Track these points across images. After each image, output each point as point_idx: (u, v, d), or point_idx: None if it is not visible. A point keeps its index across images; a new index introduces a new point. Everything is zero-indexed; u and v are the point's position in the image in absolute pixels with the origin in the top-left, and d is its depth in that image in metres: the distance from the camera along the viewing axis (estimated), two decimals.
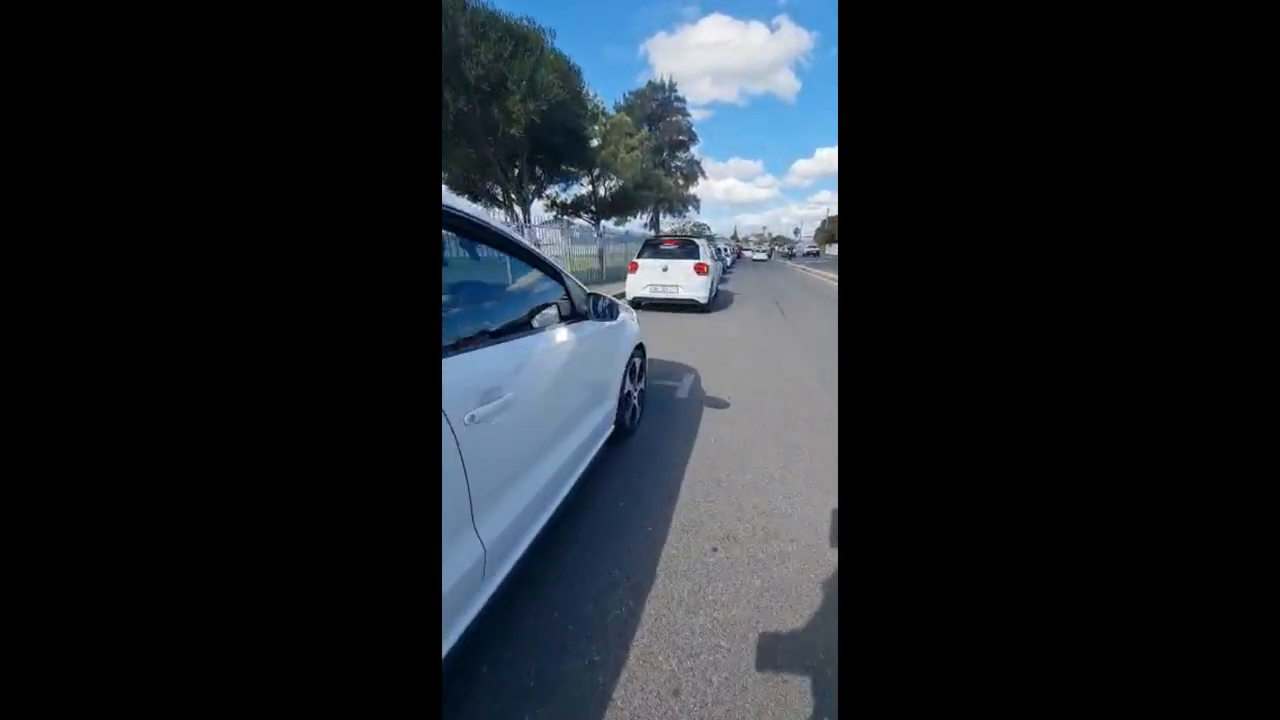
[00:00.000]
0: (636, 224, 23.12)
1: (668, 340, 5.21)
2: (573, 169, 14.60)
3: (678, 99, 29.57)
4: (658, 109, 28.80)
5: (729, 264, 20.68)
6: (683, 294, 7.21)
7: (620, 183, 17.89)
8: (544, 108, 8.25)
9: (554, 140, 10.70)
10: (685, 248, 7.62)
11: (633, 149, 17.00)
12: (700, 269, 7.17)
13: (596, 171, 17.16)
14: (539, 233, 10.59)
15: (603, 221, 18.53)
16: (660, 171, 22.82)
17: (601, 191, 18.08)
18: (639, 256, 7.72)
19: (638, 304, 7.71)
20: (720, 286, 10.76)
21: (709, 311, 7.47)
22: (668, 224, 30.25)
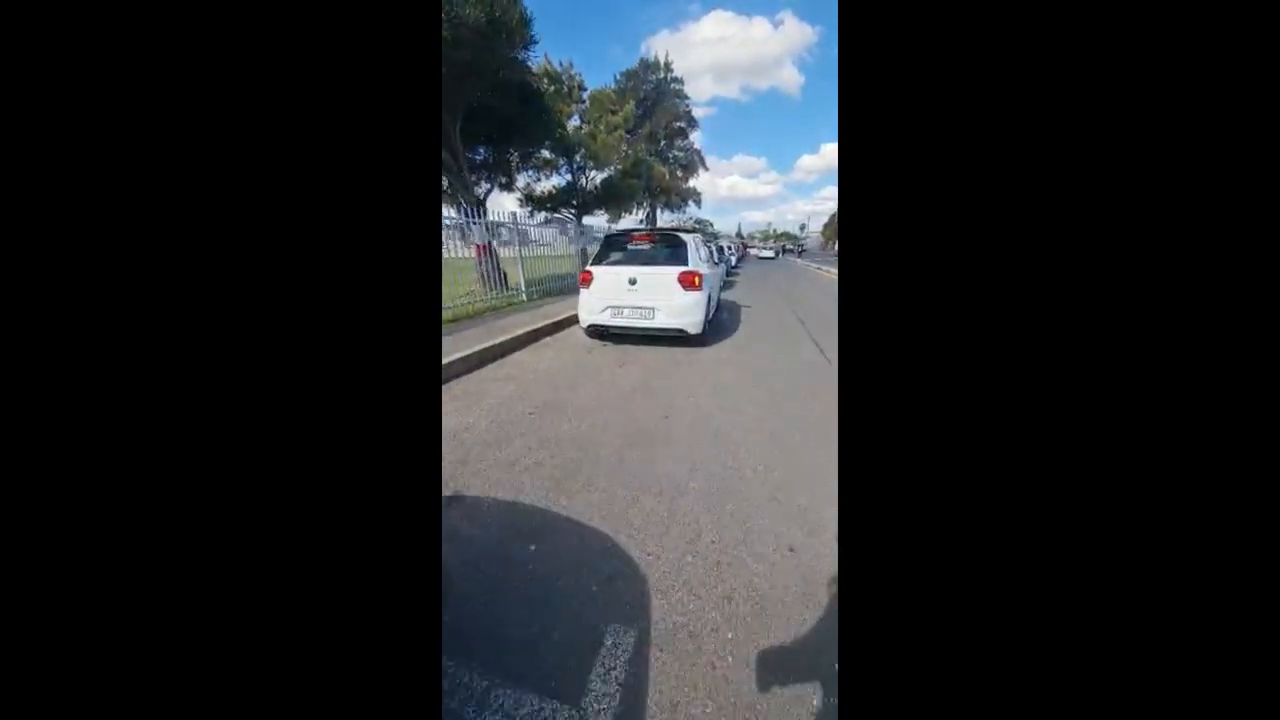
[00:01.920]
0: (631, 221, 20.43)
1: (600, 433, 2.38)
2: (542, 151, 11.89)
3: (674, 80, 26.62)
4: (652, 92, 25.91)
5: (733, 264, 17.90)
6: (662, 321, 4.44)
7: (608, 171, 15.22)
8: (448, 35, 5.58)
9: (497, 106, 8.06)
10: (666, 247, 4.76)
11: (615, 128, 14.22)
12: (689, 280, 4.39)
13: (577, 158, 14.48)
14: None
15: (585, 219, 15.84)
16: (653, 159, 19.99)
17: (583, 181, 15.35)
18: (594, 262, 4.89)
19: (597, 334, 5.02)
20: (722, 294, 8.07)
21: (706, 344, 4.78)
22: (665, 220, 27.46)
